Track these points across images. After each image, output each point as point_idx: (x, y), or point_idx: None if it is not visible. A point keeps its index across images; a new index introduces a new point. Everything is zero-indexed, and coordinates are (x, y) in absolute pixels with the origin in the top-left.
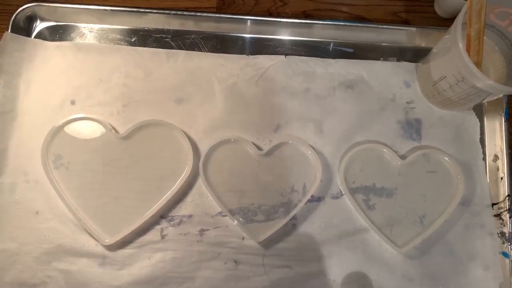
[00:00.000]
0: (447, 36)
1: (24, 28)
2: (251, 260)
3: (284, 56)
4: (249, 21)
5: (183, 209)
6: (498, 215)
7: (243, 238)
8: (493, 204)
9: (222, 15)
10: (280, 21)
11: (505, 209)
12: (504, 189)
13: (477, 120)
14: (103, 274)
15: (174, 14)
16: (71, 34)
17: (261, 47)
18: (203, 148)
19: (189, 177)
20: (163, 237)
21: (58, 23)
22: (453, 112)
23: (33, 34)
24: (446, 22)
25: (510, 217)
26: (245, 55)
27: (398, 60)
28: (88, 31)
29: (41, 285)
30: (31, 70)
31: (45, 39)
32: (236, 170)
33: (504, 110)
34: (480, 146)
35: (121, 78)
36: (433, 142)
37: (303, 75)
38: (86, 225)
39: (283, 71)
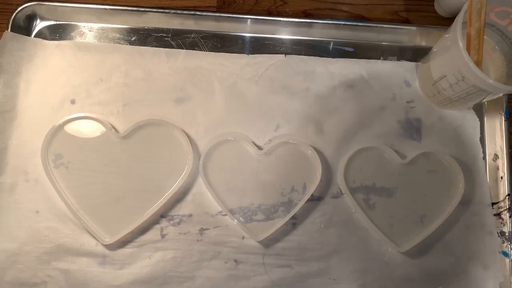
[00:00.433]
0: (447, 35)
1: (24, 27)
2: (251, 259)
3: (284, 55)
4: (249, 20)
5: (183, 209)
6: (498, 215)
7: (243, 238)
8: (493, 204)
9: (222, 14)
10: (280, 20)
11: (505, 208)
12: (504, 189)
13: (477, 119)
14: (103, 273)
15: (174, 13)
16: (71, 33)
17: (261, 47)
18: (203, 147)
19: (189, 176)
20: (163, 236)
21: (58, 22)
22: (453, 111)
23: (33, 33)
24: (446, 21)
25: (510, 217)
26: (245, 55)
27: (398, 60)
28: (88, 30)
29: (41, 284)
30: (31, 69)
31: (45, 38)
32: (236, 169)
33: (504, 110)
34: (480, 145)
35: (121, 77)
36: (433, 141)
37: (303, 75)
38: (86, 225)
39: (283, 70)
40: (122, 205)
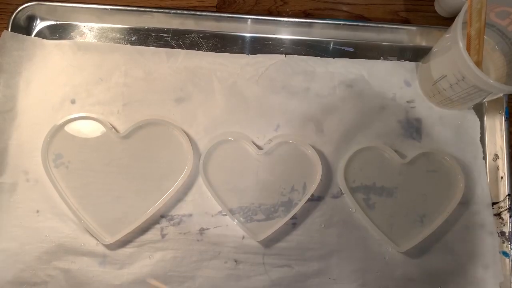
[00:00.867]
0: (447, 35)
1: (24, 27)
2: (251, 259)
3: (284, 55)
4: (249, 20)
5: (183, 208)
6: (498, 215)
7: (243, 237)
8: (493, 204)
9: (222, 14)
10: (280, 20)
11: (505, 208)
12: (504, 189)
13: (477, 119)
14: (104, 273)
15: (174, 13)
16: (71, 33)
17: (261, 46)
18: (203, 147)
19: (189, 176)
20: (163, 236)
21: (58, 22)
22: (453, 111)
23: (33, 33)
24: (446, 21)
25: (510, 217)
26: (245, 54)
27: (398, 59)
28: (88, 30)
29: (41, 284)
30: (30, 69)
31: (45, 38)
32: (236, 169)
33: (504, 109)
34: (480, 145)
35: (121, 77)
36: (433, 141)
37: (303, 74)
38: (86, 224)
39: (283, 70)
40: (122, 205)
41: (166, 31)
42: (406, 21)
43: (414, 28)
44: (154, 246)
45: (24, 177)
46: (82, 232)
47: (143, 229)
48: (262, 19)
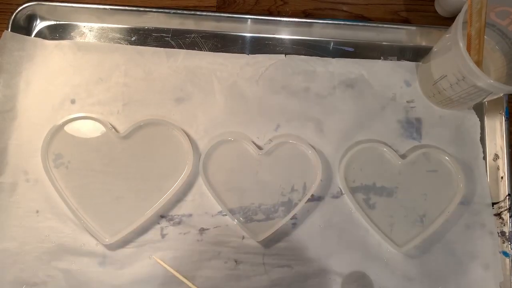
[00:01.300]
0: (447, 35)
1: (24, 27)
2: (251, 259)
3: (284, 55)
4: (249, 20)
5: (183, 209)
6: (498, 214)
7: (243, 238)
8: (493, 204)
9: (222, 14)
10: (280, 20)
11: (505, 208)
12: (504, 189)
13: (478, 119)
14: (104, 273)
15: (174, 13)
16: (71, 33)
17: (261, 46)
18: (203, 147)
19: (189, 176)
20: (163, 236)
21: (58, 22)
22: (453, 111)
23: (33, 33)
24: (446, 21)
25: (510, 217)
26: (245, 54)
27: (398, 59)
28: (88, 30)
29: (41, 284)
30: (30, 69)
31: (45, 38)
32: (236, 169)
33: (505, 109)
34: (480, 145)
35: (121, 77)
36: (433, 141)
37: (303, 74)
38: (86, 225)
39: (283, 70)
40: (122, 205)
41: (166, 31)
42: (406, 21)
43: (414, 28)
44: (154, 246)
45: (24, 177)
46: (82, 232)
47: (143, 229)
48: (262, 19)
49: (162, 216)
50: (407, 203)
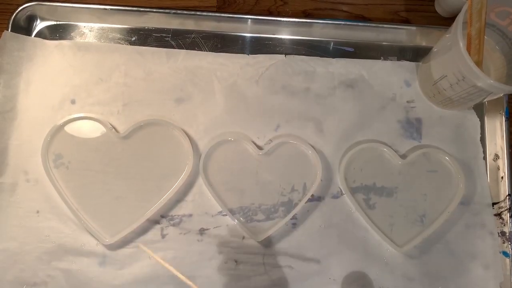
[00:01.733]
0: (447, 35)
1: (24, 28)
2: (251, 259)
3: (284, 55)
4: (249, 20)
5: (183, 209)
6: (499, 215)
7: (243, 238)
8: (493, 204)
9: (223, 14)
10: (280, 20)
11: (506, 208)
12: (504, 189)
13: (478, 119)
14: (104, 273)
15: (174, 13)
16: (71, 34)
17: (261, 46)
18: (203, 147)
19: (189, 176)
20: (163, 236)
21: (58, 22)
22: (453, 111)
23: (33, 34)
24: (446, 21)
25: (510, 217)
26: (245, 54)
27: (398, 59)
28: (88, 30)
29: (41, 284)
30: (30, 69)
31: (45, 38)
32: (236, 169)
33: (505, 109)
34: (480, 145)
35: (121, 77)
36: (433, 141)
37: (303, 75)
38: (86, 225)
39: (283, 70)
40: (122, 205)
41: (166, 31)
42: (406, 21)
43: (414, 28)
44: (154, 246)
45: (24, 177)
46: (82, 232)
47: (143, 229)
48: (262, 19)
49: (162, 216)
50: (407, 203)
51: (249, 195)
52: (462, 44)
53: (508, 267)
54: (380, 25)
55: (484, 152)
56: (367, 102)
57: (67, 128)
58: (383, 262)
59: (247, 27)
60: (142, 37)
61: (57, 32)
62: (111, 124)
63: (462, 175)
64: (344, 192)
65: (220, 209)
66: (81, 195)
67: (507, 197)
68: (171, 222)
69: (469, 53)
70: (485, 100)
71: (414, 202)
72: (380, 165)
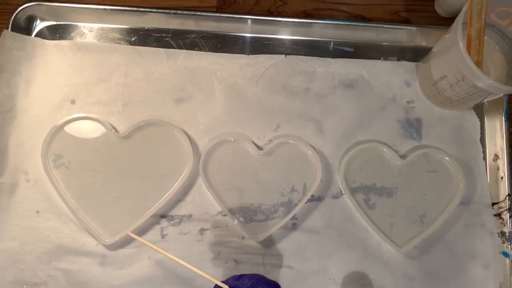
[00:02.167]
0: (447, 36)
1: (24, 28)
2: (251, 259)
3: (284, 55)
4: (249, 20)
5: (183, 209)
6: (498, 215)
7: (243, 238)
8: (493, 204)
9: (222, 15)
10: (280, 21)
11: (505, 208)
12: (504, 189)
13: (478, 119)
14: (104, 273)
15: (174, 13)
16: (71, 34)
17: (261, 47)
18: (203, 147)
19: (189, 176)
20: (163, 236)
21: (58, 23)
22: (453, 111)
23: (33, 33)
24: (446, 21)
25: (510, 217)
26: (245, 55)
27: (398, 60)
28: (88, 30)
29: (41, 284)
30: (30, 68)
31: (45, 38)
32: (236, 169)
33: (505, 110)
34: (480, 145)
35: (121, 77)
36: (433, 141)
37: (303, 75)
38: (86, 225)
39: (283, 70)
40: (122, 205)
41: (166, 31)
42: (406, 21)
43: (414, 28)
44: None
45: (24, 177)
46: (82, 232)
47: (143, 229)
48: (262, 19)
49: (162, 216)
50: (407, 203)
51: (249, 195)
52: (462, 45)
53: (508, 267)
54: (380, 25)
55: (484, 152)
56: (367, 102)
57: (67, 128)
58: (383, 262)
59: (247, 27)
60: (142, 37)
61: (57, 32)
62: (111, 124)
63: (462, 175)
64: (344, 192)
65: (220, 209)
66: (81, 195)
67: (507, 197)
68: (171, 222)
69: (469, 54)
70: (485, 100)
71: (414, 202)
72: (380, 165)
